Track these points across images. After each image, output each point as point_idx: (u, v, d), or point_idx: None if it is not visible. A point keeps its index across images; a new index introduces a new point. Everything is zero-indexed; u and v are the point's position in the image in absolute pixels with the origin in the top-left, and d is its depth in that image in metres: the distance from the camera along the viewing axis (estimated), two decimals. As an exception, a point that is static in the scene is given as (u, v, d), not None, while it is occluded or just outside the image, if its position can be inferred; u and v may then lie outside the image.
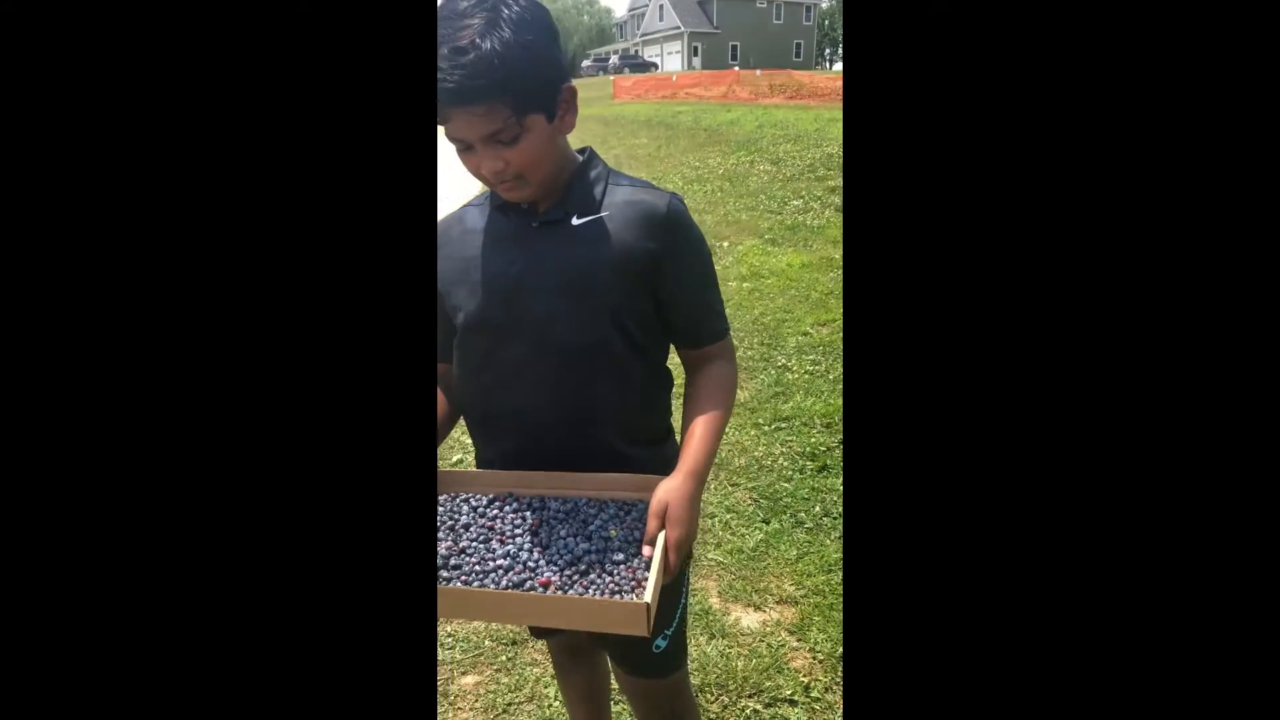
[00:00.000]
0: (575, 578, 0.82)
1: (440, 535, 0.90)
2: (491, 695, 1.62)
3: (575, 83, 0.92)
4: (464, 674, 1.69)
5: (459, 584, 0.83)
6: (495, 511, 0.93)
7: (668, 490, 0.84)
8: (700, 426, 0.91)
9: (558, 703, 1.58)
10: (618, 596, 0.79)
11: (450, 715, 1.57)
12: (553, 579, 0.82)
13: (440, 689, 1.64)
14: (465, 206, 1.00)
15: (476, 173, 0.86)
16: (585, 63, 42.35)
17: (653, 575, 0.77)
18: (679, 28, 41.41)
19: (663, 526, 0.82)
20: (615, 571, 0.82)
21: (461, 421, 1.03)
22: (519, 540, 0.88)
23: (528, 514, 0.92)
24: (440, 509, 0.94)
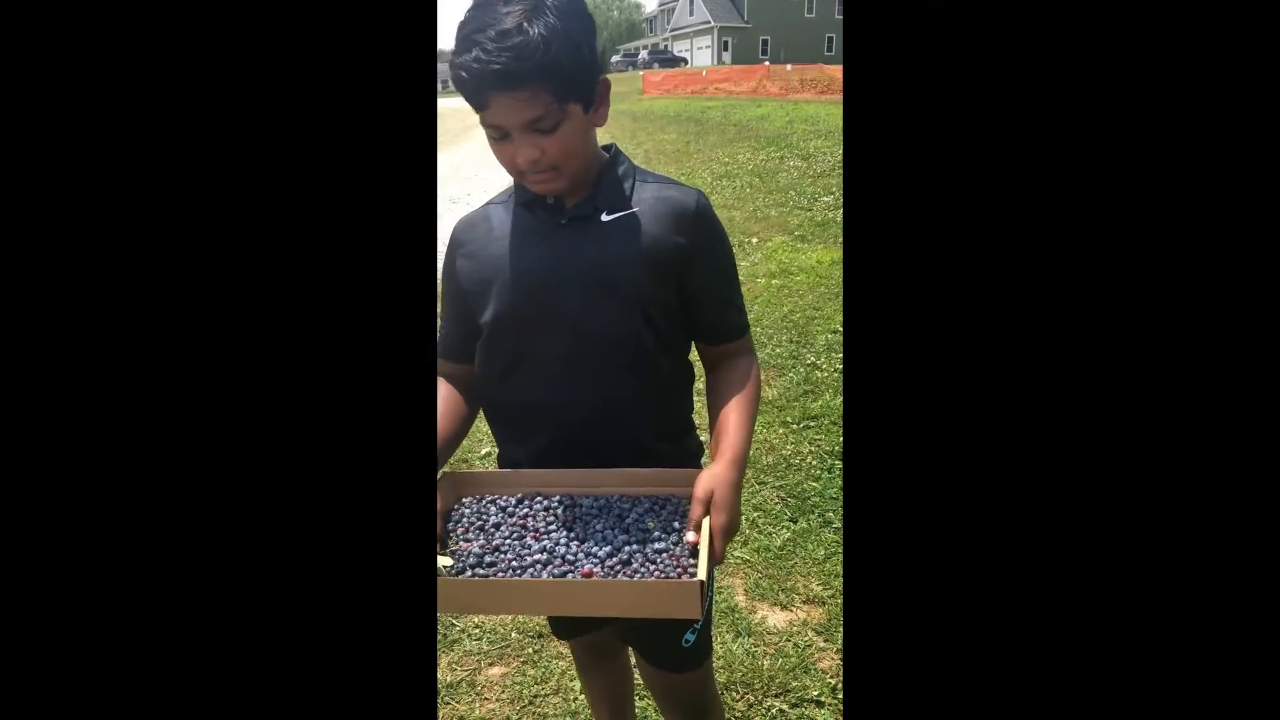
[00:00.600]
0: (618, 568, 0.80)
1: (470, 536, 0.89)
2: (518, 686, 1.63)
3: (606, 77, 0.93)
4: (491, 665, 1.70)
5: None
6: (525, 510, 0.92)
7: (713, 477, 0.83)
8: (734, 416, 0.91)
9: (583, 696, 1.59)
10: None
11: (477, 706, 1.59)
12: (595, 570, 0.80)
13: (467, 679, 1.66)
14: (487, 205, 1.00)
15: (510, 163, 0.86)
16: (614, 58, 42.35)
17: (702, 558, 0.76)
18: (709, 22, 41.19)
19: (707, 513, 0.81)
20: (659, 560, 0.81)
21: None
22: (554, 535, 0.87)
23: (559, 510, 0.91)
24: (467, 510, 0.94)
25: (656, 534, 0.84)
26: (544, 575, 0.80)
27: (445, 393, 1.00)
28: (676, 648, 1.03)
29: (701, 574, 0.73)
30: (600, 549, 0.83)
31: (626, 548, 0.83)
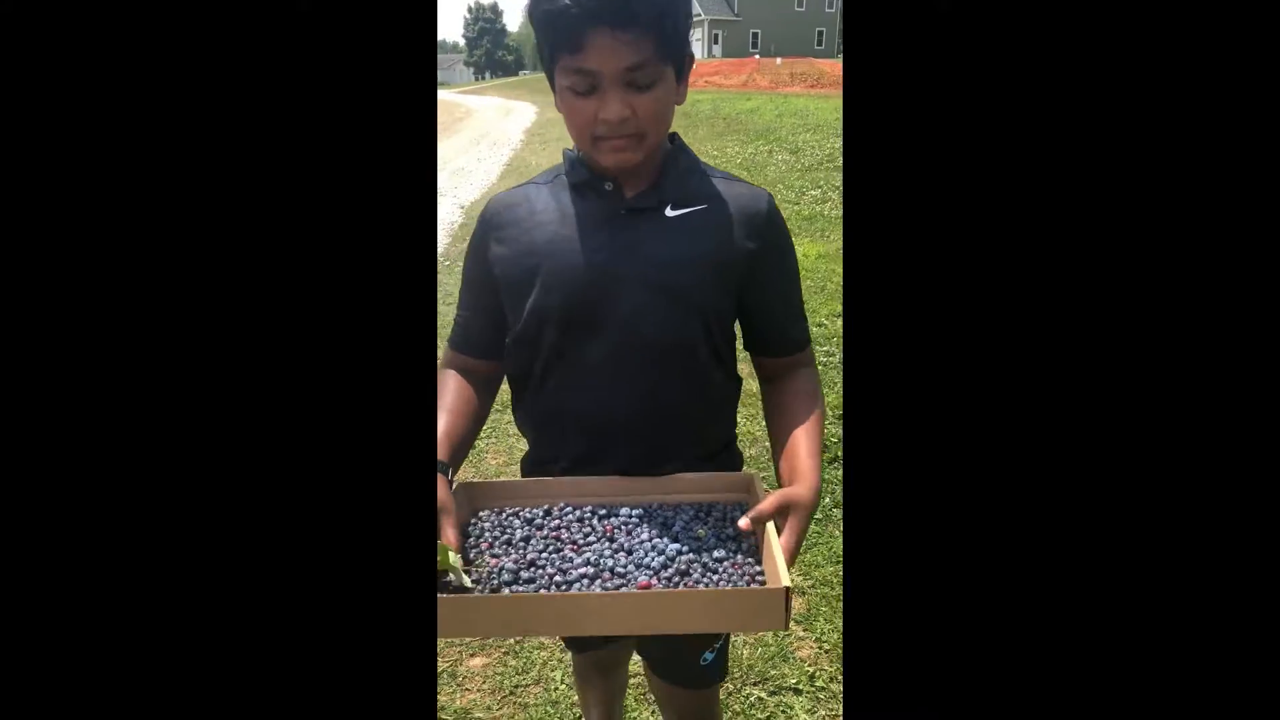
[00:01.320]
0: (676, 579, 0.72)
1: (495, 551, 0.78)
2: (499, 677, 1.64)
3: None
4: (472, 656, 1.71)
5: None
6: (556, 522, 0.82)
7: (797, 496, 0.75)
8: (805, 437, 0.83)
9: (564, 685, 1.60)
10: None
11: (458, 697, 1.60)
12: (652, 583, 0.71)
13: (449, 670, 1.67)
14: (527, 184, 0.90)
15: (589, 120, 0.76)
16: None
17: (780, 562, 0.67)
18: (700, 15, 41.05)
19: (770, 520, 0.74)
20: (721, 569, 0.73)
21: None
22: (596, 547, 0.77)
23: (594, 521, 0.82)
24: (487, 525, 0.83)
25: (711, 541, 0.76)
26: (594, 588, 0.71)
27: (457, 387, 0.89)
28: (694, 665, 0.99)
29: (785, 578, 0.65)
30: (652, 559, 0.74)
31: (681, 557, 0.74)
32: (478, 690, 1.61)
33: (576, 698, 1.54)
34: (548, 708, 1.55)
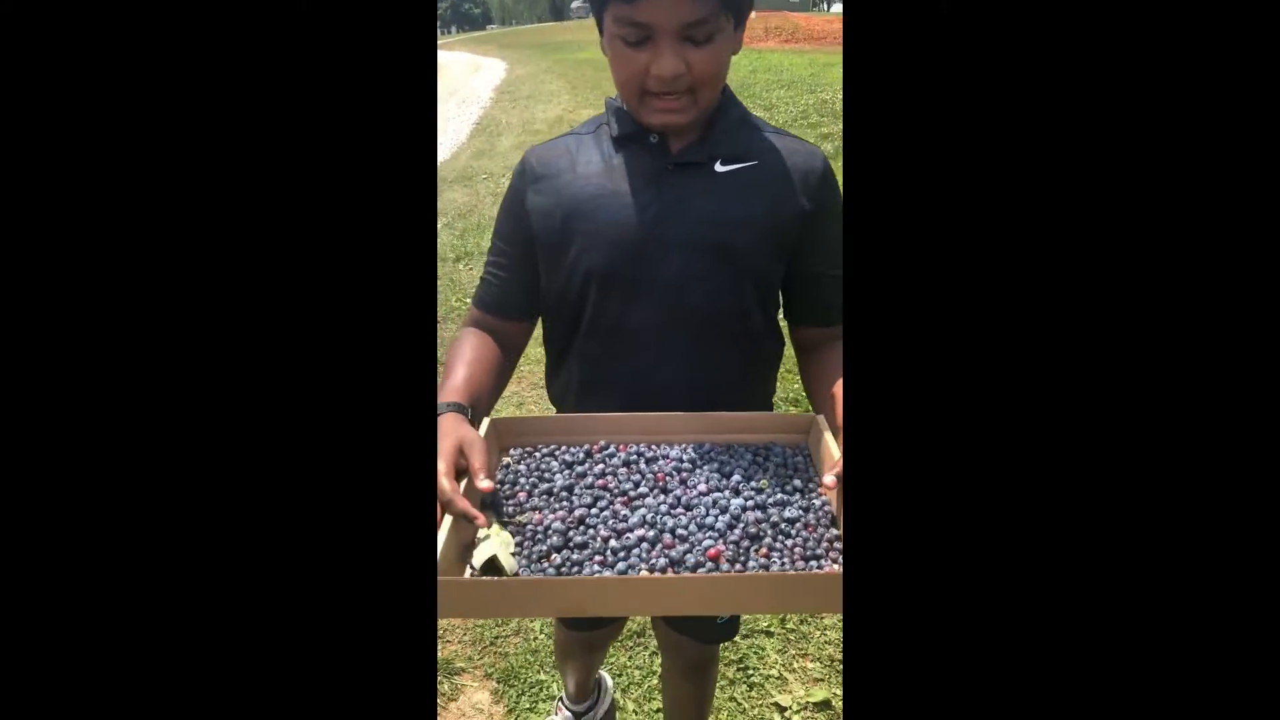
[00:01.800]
0: (746, 545, 0.65)
1: (535, 503, 0.71)
2: (479, 629, 1.68)
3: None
4: (453, 610, 1.75)
5: (596, 571, 0.63)
6: (600, 466, 0.74)
7: None
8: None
9: (543, 635, 1.64)
10: (812, 565, 0.64)
11: (439, 649, 1.64)
12: (722, 550, 0.64)
13: (430, 624, 1.70)
14: (568, 135, 0.85)
15: (639, 75, 0.72)
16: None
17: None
18: (672, -33, 39.97)
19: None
20: (794, 532, 0.66)
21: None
22: (650, 501, 0.69)
23: (642, 465, 0.74)
24: (522, 467, 0.76)
25: (779, 495, 0.70)
26: (656, 557, 0.64)
27: (480, 343, 0.83)
28: (710, 623, 1.00)
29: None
30: (715, 519, 0.67)
31: (747, 514, 0.67)
32: (458, 642, 1.65)
33: (560, 673, 1.59)
34: (527, 656, 1.60)
